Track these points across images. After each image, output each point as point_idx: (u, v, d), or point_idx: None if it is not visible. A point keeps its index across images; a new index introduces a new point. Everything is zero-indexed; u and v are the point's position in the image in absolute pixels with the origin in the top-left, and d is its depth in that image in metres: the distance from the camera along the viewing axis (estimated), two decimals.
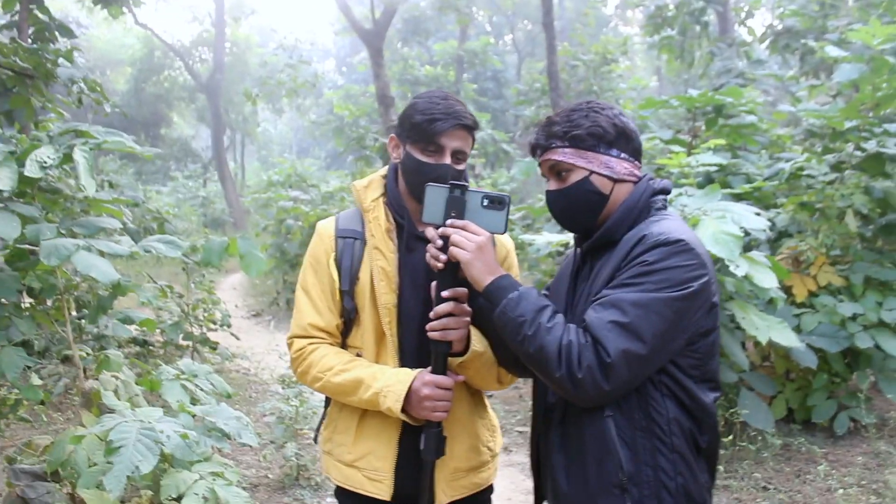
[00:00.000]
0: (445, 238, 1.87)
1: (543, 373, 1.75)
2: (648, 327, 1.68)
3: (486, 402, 2.29)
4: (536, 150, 1.97)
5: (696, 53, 14.33)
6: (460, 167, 2.08)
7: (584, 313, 1.78)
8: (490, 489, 2.27)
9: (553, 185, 1.94)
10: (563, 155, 1.89)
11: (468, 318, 1.96)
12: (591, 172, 1.87)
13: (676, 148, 6.35)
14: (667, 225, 1.80)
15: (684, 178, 5.96)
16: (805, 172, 6.03)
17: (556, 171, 1.92)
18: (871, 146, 5.77)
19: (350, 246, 2.15)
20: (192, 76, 29.42)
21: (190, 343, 7.32)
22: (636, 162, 1.93)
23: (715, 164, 5.92)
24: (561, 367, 1.69)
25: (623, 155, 1.90)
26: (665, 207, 1.93)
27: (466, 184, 1.90)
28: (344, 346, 2.18)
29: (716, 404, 1.85)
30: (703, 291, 1.74)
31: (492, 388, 2.20)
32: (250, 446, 4.36)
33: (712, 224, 4.32)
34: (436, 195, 1.90)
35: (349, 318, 2.14)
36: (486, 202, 1.88)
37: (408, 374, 2.02)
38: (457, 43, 24.48)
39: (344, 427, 2.16)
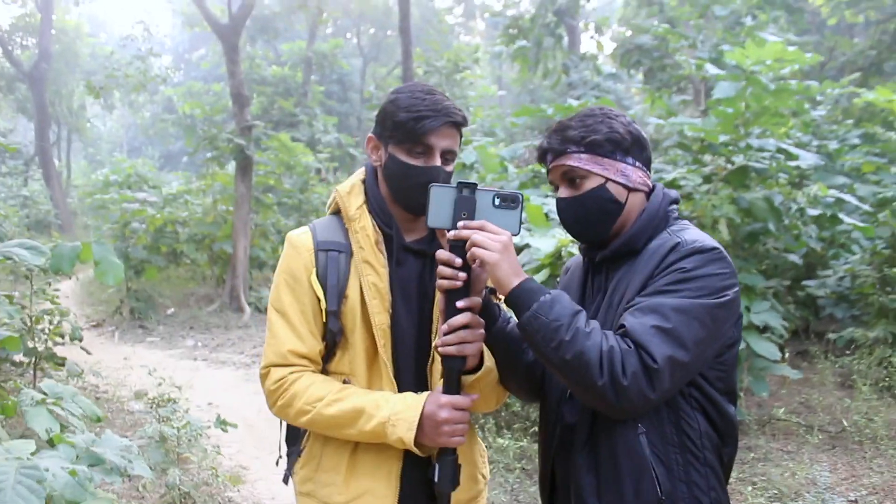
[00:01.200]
0: (459, 242, 1.70)
1: (582, 381, 1.62)
2: (690, 334, 1.62)
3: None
4: (547, 154, 1.86)
5: (550, 65, 14.76)
6: (450, 168, 1.90)
7: (602, 326, 1.69)
8: None
9: (565, 193, 1.84)
10: (579, 161, 1.80)
11: (483, 331, 1.79)
12: (608, 180, 1.81)
13: None
14: (696, 233, 1.77)
15: None
16: (680, 183, 6.28)
17: (569, 177, 1.83)
18: (739, 160, 6.11)
19: (335, 260, 1.90)
20: (12, 63, 26.92)
21: (32, 360, 6.59)
22: (648, 171, 1.88)
23: None
24: (603, 375, 1.58)
25: (637, 163, 1.85)
26: (680, 217, 1.89)
27: (476, 182, 1.73)
28: (325, 372, 1.93)
29: None
30: (736, 301, 1.71)
31: (489, 409, 2.03)
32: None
33: None
34: (442, 196, 1.72)
35: (333, 342, 1.89)
36: (497, 201, 1.72)
37: (416, 399, 1.81)
38: (305, 44, 23.94)
39: (331, 464, 1.90)
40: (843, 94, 8.94)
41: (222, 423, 4.38)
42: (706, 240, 1.73)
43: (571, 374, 1.63)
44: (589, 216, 1.82)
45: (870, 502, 4.76)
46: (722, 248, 1.73)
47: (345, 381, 1.89)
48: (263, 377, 1.91)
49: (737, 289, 1.72)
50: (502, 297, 1.71)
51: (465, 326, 1.73)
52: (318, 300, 1.87)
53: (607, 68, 15.69)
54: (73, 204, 24.51)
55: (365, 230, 1.90)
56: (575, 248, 4.49)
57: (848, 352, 7.64)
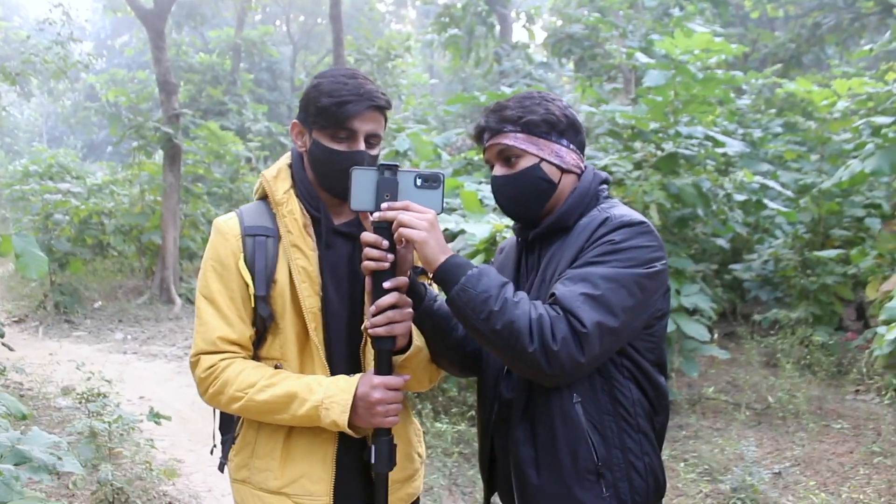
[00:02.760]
0: (384, 223, 1.71)
1: (513, 349, 1.64)
2: (619, 301, 1.67)
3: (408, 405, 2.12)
4: (484, 133, 1.90)
5: (482, 53, 14.82)
6: (374, 152, 1.90)
7: (536, 300, 1.73)
8: (418, 500, 2.10)
9: (500, 171, 1.88)
10: (515, 140, 1.84)
11: (411, 310, 1.80)
12: (542, 160, 1.85)
13: None
14: (624, 209, 1.83)
15: None
16: (612, 169, 6.40)
17: (504, 156, 1.87)
18: (668, 147, 6.26)
19: (262, 245, 1.88)
20: None
21: None
22: (581, 154, 1.93)
23: None
24: (534, 341, 1.62)
25: (571, 146, 1.90)
26: (610, 196, 1.94)
27: (396, 164, 1.74)
28: (256, 358, 1.91)
29: None
30: (663, 273, 1.77)
31: (422, 388, 2.05)
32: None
33: None
34: (364, 179, 1.73)
35: (263, 327, 1.88)
36: (419, 181, 1.74)
37: (349, 381, 1.81)
38: (233, 31, 23.44)
39: (266, 450, 1.88)
40: (766, 84, 9.24)
41: (155, 417, 4.28)
42: (634, 215, 1.79)
43: (502, 344, 1.66)
44: (522, 194, 1.86)
45: (792, 473, 4.96)
46: (650, 223, 1.78)
47: (276, 367, 1.87)
48: (193, 365, 1.88)
49: (664, 261, 1.77)
50: (430, 275, 1.73)
51: (392, 307, 1.74)
52: (247, 285, 1.85)
53: (538, 57, 15.85)
54: None
55: (293, 214, 1.89)
56: (509, 234, 4.55)
57: (772, 332, 7.94)
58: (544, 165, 1.84)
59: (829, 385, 6.66)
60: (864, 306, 8.64)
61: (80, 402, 5.19)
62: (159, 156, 13.43)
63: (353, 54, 18.00)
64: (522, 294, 1.70)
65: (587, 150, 7.51)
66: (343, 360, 1.90)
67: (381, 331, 1.74)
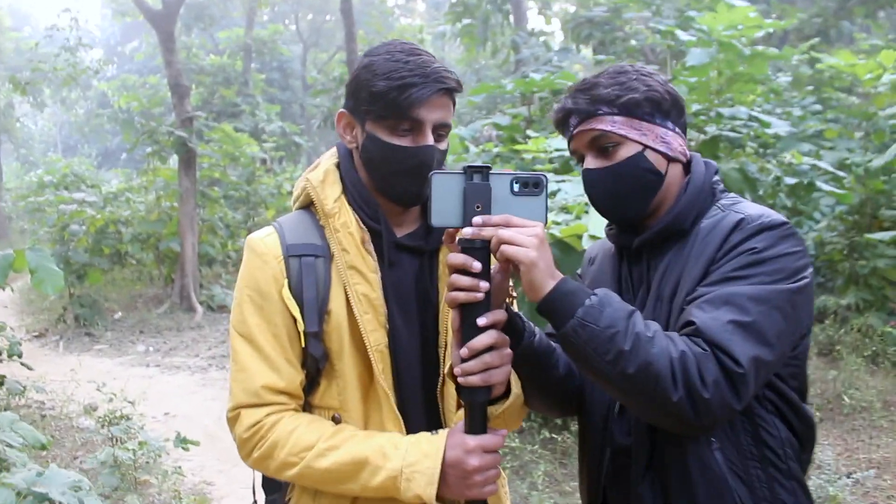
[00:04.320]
0: (476, 242, 1.34)
1: (650, 398, 1.31)
2: (772, 327, 1.34)
3: None
4: (571, 117, 1.54)
5: (498, 42, 14.46)
6: (444, 146, 1.54)
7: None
8: None
9: (595, 163, 1.53)
10: (613, 124, 1.50)
11: (510, 351, 1.42)
12: (646, 147, 1.51)
13: (532, 133, 6.12)
14: (755, 207, 1.49)
15: (539, 165, 5.77)
16: None
17: (600, 144, 1.52)
18: (711, 130, 5.89)
19: (311, 268, 1.52)
20: None
21: None
22: (686, 138, 1.59)
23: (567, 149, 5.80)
24: (678, 388, 1.28)
25: (677, 129, 1.55)
26: (726, 190, 1.59)
27: (488, 165, 1.38)
28: (308, 407, 1.56)
29: None
30: (812, 282, 1.44)
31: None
32: None
33: None
34: (447, 187, 1.36)
35: (316, 370, 1.52)
36: (517, 186, 1.36)
37: (433, 442, 1.44)
38: (243, 31, 23.16)
39: None
40: (802, 60, 8.82)
41: (183, 443, 3.99)
42: (772, 214, 1.45)
43: (636, 391, 1.32)
44: (624, 190, 1.52)
45: (867, 477, 4.60)
46: (790, 223, 1.44)
47: (334, 419, 1.52)
48: (232, 421, 1.52)
49: (812, 269, 1.44)
50: (536, 306, 1.37)
51: (489, 348, 1.36)
52: (294, 320, 1.50)
53: (555, 44, 15.45)
54: (7, 208, 23.38)
55: (347, 227, 1.53)
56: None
57: (819, 320, 7.54)
58: (649, 154, 1.51)
59: (891, 376, 6.27)
60: None
61: (103, 426, 4.91)
62: (174, 161, 13.16)
63: (365, 49, 17.67)
64: (656, 326, 1.35)
65: None
66: (418, 407, 1.55)
67: (475, 380, 1.36)
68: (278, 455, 1.47)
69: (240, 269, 1.59)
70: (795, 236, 1.43)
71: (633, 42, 11.68)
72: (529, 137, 5.81)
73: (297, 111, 28.36)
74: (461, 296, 1.34)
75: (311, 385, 1.54)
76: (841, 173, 6.53)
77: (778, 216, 1.44)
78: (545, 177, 1.38)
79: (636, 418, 1.49)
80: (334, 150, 1.65)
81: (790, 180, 6.12)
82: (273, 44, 24.22)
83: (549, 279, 1.34)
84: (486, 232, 1.32)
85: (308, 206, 1.61)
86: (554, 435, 4.94)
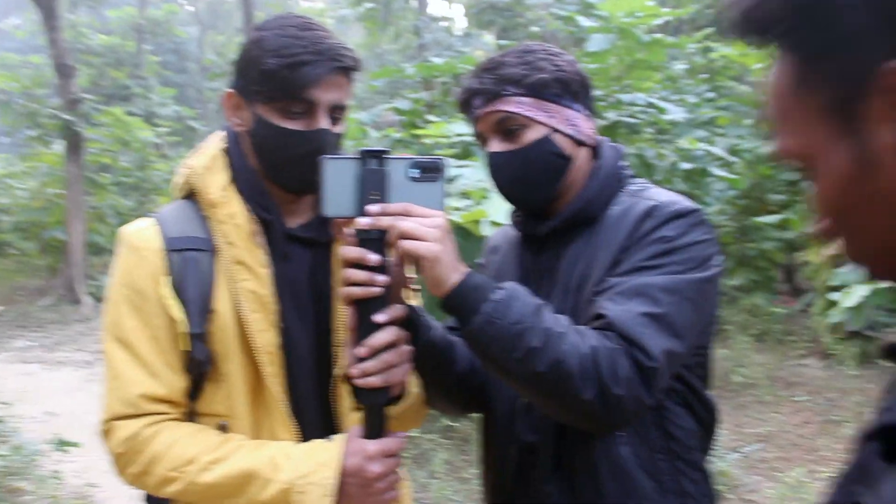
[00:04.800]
0: (372, 233, 1.23)
1: (561, 397, 1.23)
2: (683, 318, 1.29)
3: None
4: (475, 98, 1.44)
5: (401, 26, 14.32)
6: (339, 129, 1.41)
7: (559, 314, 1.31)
8: None
9: (501, 146, 1.44)
10: (520, 106, 1.41)
11: (409, 348, 1.32)
12: (554, 130, 1.42)
13: (433, 118, 6.03)
14: (666, 193, 1.43)
15: (440, 150, 5.69)
16: None
17: (506, 126, 1.42)
18: (611, 115, 5.94)
19: (194, 263, 1.37)
20: None
21: None
22: (594, 121, 1.51)
23: (469, 134, 5.75)
24: (588, 386, 1.20)
25: (586, 111, 1.48)
26: (635, 175, 1.53)
27: (384, 149, 1.26)
28: (192, 415, 1.41)
29: None
30: (721, 270, 1.39)
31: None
32: None
33: None
34: (340, 173, 1.24)
35: (200, 374, 1.38)
36: (414, 173, 1.25)
37: (328, 450, 1.32)
38: (135, 10, 22.13)
39: None
40: (698, 49, 9.05)
41: (61, 445, 3.72)
42: (683, 200, 1.40)
43: (546, 390, 1.24)
44: (532, 174, 1.43)
45: (754, 451, 4.77)
46: (701, 210, 1.39)
47: (220, 427, 1.38)
48: (105, 435, 1.37)
49: (721, 256, 1.39)
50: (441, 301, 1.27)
51: (388, 346, 1.26)
52: (176, 321, 1.35)
53: (457, 29, 15.41)
54: None
55: (233, 218, 1.39)
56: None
57: None
58: (557, 137, 1.42)
59: (776, 353, 6.54)
60: (792, 269, 8.65)
61: None
62: (60, 145, 12.46)
63: None
64: (566, 320, 1.26)
65: None
66: (313, 412, 1.43)
67: (374, 380, 1.25)
68: (157, 471, 1.32)
69: (113, 265, 1.43)
70: (706, 224, 1.38)
71: (535, 28, 11.76)
72: (430, 122, 5.71)
73: (194, 95, 27.42)
74: (357, 291, 1.23)
75: (195, 391, 1.40)
76: (733, 159, 6.73)
77: (689, 203, 1.39)
78: (443, 161, 1.27)
79: (543, 415, 1.42)
80: (219, 134, 1.50)
81: (686, 165, 6.26)
82: (168, 24, 23.26)
83: (453, 273, 1.23)
84: (384, 221, 1.21)
85: (191, 195, 1.46)
86: (453, 423, 4.90)
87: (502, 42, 10.91)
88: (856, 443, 0.69)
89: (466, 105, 1.47)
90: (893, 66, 0.60)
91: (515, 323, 1.21)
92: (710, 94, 8.76)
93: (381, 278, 1.23)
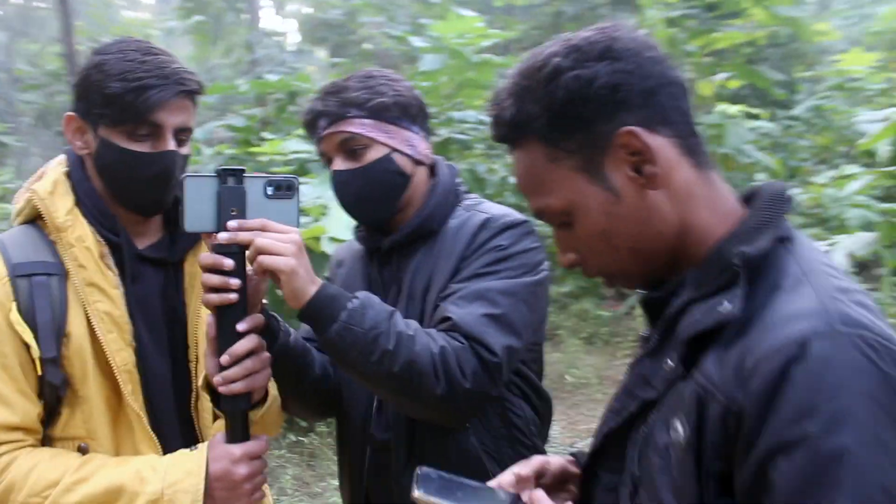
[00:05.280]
0: (232, 247, 1.32)
1: (414, 394, 1.39)
2: (520, 317, 1.48)
3: None
4: (320, 119, 1.57)
5: (232, 40, 14.07)
6: (185, 150, 1.49)
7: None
8: None
9: (343, 164, 1.58)
10: (363, 127, 1.56)
11: (269, 355, 1.42)
12: (393, 150, 1.58)
13: (268, 135, 6.02)
14: (497, 207, 1.64)
15: (276, 167, 5.70)
16: None
17: (349, 147, 1.57)
18: (443, 132, 6.19)
19: (44, 288, 1.40)
20: None
21: None
22: (429, 142, 1.69)
23: (305, 151, 5.78)
24: (440, 382, 1.36)
25: (422, 133, 1.64)
26: (468, 191, 1.72)
27: (241, 168, 1.36)
28: (48, 441, 1.43)
29: None
30: (549, 275, 1.60)
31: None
32: None
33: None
34: (200, 190, 1.33)
35: (56, 398, 1.40)
36: (270, 190, 1.36)
37: (192, 458, 1.38)
38: None
39: None
40: None
41: None
42: (513, 213, 1.60)
43: (401, 388, 1.39)
44: (373, 191, 1.58)
45: (587, 446, 5.11)
46: (530, 220, 1.58)
47: (80, 449, 1.41)
48: None
49: (547, 262, 1.59)
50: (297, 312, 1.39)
51: (250, 353, 1.36)
52: (26, 346, 1.37)
53: (289, 45, 15.32)
54: None
55: (83, 241, 1.43)
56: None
57: None
58: (396, 156, 1.58)
59: (604, 354, 7.02)
60: None
61: None
62: None
63: (85, 42, 16.27)
64: (415, 324, 1.43)
65: None
66: (173, 426, 1.49)
67: (238, 386, 1.34)
68: (16, 498, 1.34)
69: None
70: (534, 233, 1.57)
71: (367, 46, 11.93)
72: (265, 139, 5.72)
73: (4, 107, 25.51)
74: (214, 297, 1.32)
75: (50, 416, 1.42)
76: None
77: (518, 215, 1.58)
78: (297, 179, 1.40)
79: (395, 414, 1.56)
80: (62, 157, 1.53)
81: (514, 180, 6.61)
82: None
83: (310, 286, 1.35)
84: (242, 236, 1.31)
85: (34, 220, 1.48)
86: (300, 437, 4.92)
87: (336, 60, 11.01)
88: (634, 366, 1.06)
89: (312, 126, 1.60)
90: (623, 131, 0.94)
91: (371, 329, 1.35)
92: None
93: (236, 282, 1.32)
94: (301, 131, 5.98)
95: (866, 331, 0.81)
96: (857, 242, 4.58)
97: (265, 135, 6.06)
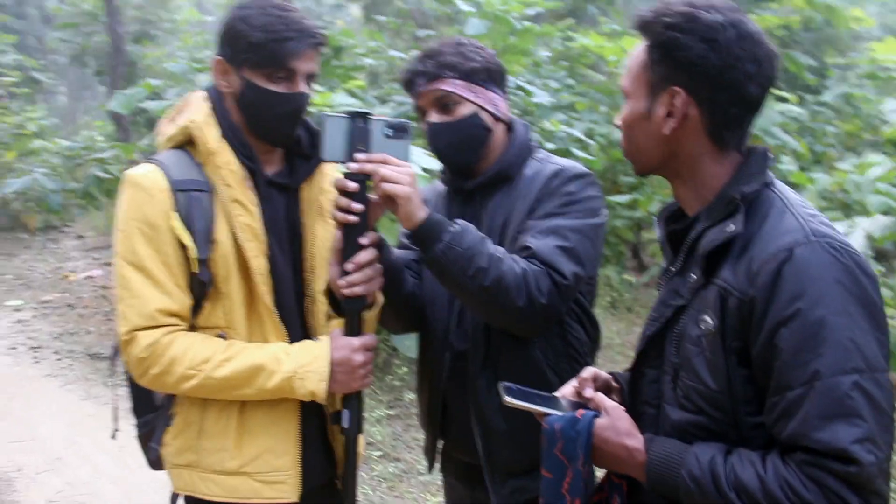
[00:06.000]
0: (360, 175, 1.62)
1: (501, 305, 1.68)
2: (585, 251, 1.76)
3: None
4: (418, 78, 1.86)
5: None
6: (311, 93, 1.78)
7: None
8: None
9: (438, 118, 1.86)
10: (455, 86, 1.84)
11: (381, 266, 1.73)
12: (480, 108, 1.86)
13: (318, 87, 6.23)
14: (565, 161, 1.91)
15: None
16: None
17: (443, 102, 1.85)
18: None
19: (198, 201, 1.68)
20: None
21: None
22: (508, 103, 1.97)
23: (352, 106, 6.00)
24: (521, 296, 1.66)
25: (503, 95, 1.92)
26: (540, 146, 1.99)
27: (368, 111, 1.65)
28: (193, 328, 1.73)
29: None
30: (606, 219, 1.89)
31: None
32: None
33: None
34: (335, 127, 1.63)
35: (201, 293, 1.70)
36: (389, 131, 1.66)
37: (321, 347, 1.70)
38: None
39: (217, 429, 1.72)
40: (559, 37, 9.68)
41: None
42: (579, 166, 1.88)
43: (490, 300, 1.67)
44: (462, 142, 1.86)
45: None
46: (592, 173, 1.87)
47: (220, 336, 1.72)
48: (127, 344, 1.66)
49: (606, 209, 1.88)
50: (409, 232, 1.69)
51: (369, 262, 1.67)
52: (184, 248, 1.66)
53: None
54: None
55: (229, 165, 1.71)
56: None
57: None
58: (482, 113, 1.86)
59: (626, 320, 7.28)
60: (639, 246, 9.51)
61: None
62: None
63: None
64: (502, 249, 1.71)
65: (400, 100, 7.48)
66: (294, 324, 1.78)
67: (359, 290, 1.67)
68: (177, 370, 1.63)
69: (120, 204, 1.70)
70: (596, 184, 1.86)
71: (403, 5, 12.02)
72: (316, 92, 5.94)
73: (34, 43, 25.65)
74: (342, 215, 1.63)
75: (195, 308, 1.71)
76: (591, 141, 7.38)
77: (582, 167, 1.86)
78: (410, 123, 1.68)
79: (472, 327, 1.85)
80: (203, 93, 1.79)
81: (549, 146, 6.81)
82: None
83: (420, 211, 1.65)
84: (368, 167, 1.60)
85: (182, 146, 1.75)
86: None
87: (379, 18, 11.10)
88: (664, 285, 1.42)
89: (410, 83, 1.89)
90: (678, 88, 1.31)
91: (468, 249, 1.64)
92: (570, 81, 9.43)
93: (358, 206, 1.62)
94: (348, 85, 6.22)
95: (832, 239, 1.19)
96: (875, 224, 4.79)
97: (316, 87, 6.27)
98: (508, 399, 1.40)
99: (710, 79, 1.27)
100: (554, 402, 1.43)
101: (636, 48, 1.36)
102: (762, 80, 1.29)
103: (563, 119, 8.33)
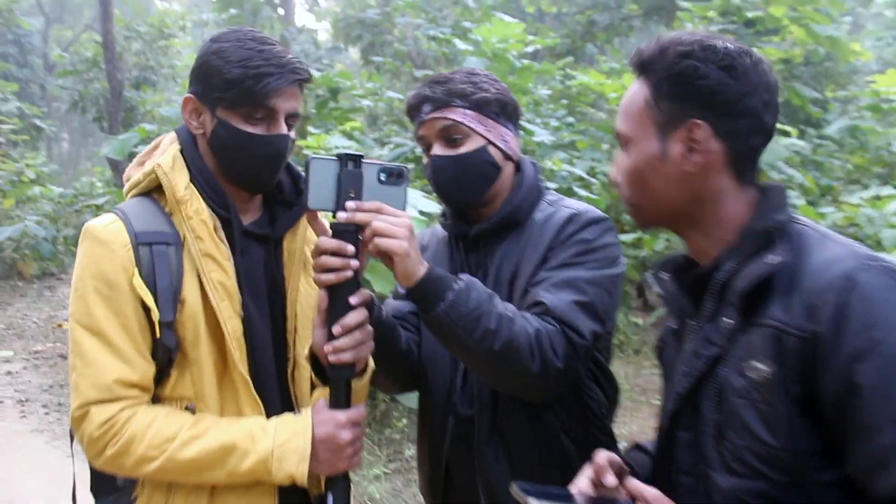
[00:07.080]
0: (349, 227, 1.40)
1: (512, 370, 1.48)
2: (603, 305, 1.59)
3: None
4: (425, 104, 1.67)
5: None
6: (293, 134, 1.58)
7: None
8: None
9: (442, 150, 1.68)
10: (464, 117, 1.65)
11: (371, 328, 1.50)
12: (489, 142, 1.68)
13: (312, 129, 6.12)
14: (579, 203, 1.73)
15: None
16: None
17: (449, 134, 1.67)
18: None
19: (164, 256, 1.47)
20: None
21: None
22: (519, 141, 1.79)
23: (346, 148, 5.88)
24: (535, 361, 1.46)
25: (515, 131, 1.74)
26: (548, 188, 1.81)
27: (361, 153, 1.44)
28: (158, 400, 1.51)
29: None
30: (625, 269, 1.70)
31: None
32: None
33: None
34: (323, 171, 1.41)
35: (167, 360, 1.48)
36: (383, 176, 1.45)
37: (300, 422, 1.47)
38: None
39: None
40: (558, 76, 9.62)
41: None
42: (594, 210, 1.70)
43: (500, 364, 1.48)
44: (467, 178, 1.68)
45: (622, 449, 5.15)
46: (609, 217, 1.69)
47: (188, 409, 1.50)
48: (79, 420, 1.44)
49: (623, 257, 1.69)
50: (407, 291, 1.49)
51: (358, 325, 1.44)
52: (146, 310, 1.45)
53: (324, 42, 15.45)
54: None
55: (199, 214, 1.50)
56: None
57: None
58: (491, 149, 1.68)
59: (633, 363, 7.06)
60: (644, 286, 9.31)
61: None
62: None
63: (122, 31, 16.49)
64: (512, 307, 1.51)
65: (394, 139, 7.37)
66: (274, 393, 1.56)
67: (346, 356, 1.43)
68: (136, 450, 1.42)
69: (77, 258, 1.50)
70: (613, 230, 1.66)
71: (401, 46, 12.02)
72: (310, 134, 5.82)
73: (37, 91, 25.85)
74: (331, 277, 1.40)
75: (160, 376, 1.50)
76: (593, 180, 7.23)
77: (599, 212, 1.67)
78: (407, 168, 1.48)
79: (478, 390, 1.65)
80: (172, 135, 1.61)
81: (551, 185, 6.66)
82: (9, 14, 21.78)
83: (419, 266, 1.44)
84: (360, 217, 1.39)
85: (149, 192, 1.56)
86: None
87: (376, 59, 11.09)
88: (689, 337, 1.25)
89: (416, 110, 1.70)
90: (693, 123, 1.18)
91: (475, 308, 1.44)
92: (570, 119, 9.33)
93: (355, 263, 1.40)
94: (345, 127, 6.10)
95: (885, 262, 1.08)
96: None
97: (310, 129, 6.16)
98: (533, 501, 1.18)
99: (731, 107, 1.18)
100: (571, 500, 1.22)
101: (631, 89, 1.25)
102: (774, 108, 1.22)
103: (565, 158, 8.21)
